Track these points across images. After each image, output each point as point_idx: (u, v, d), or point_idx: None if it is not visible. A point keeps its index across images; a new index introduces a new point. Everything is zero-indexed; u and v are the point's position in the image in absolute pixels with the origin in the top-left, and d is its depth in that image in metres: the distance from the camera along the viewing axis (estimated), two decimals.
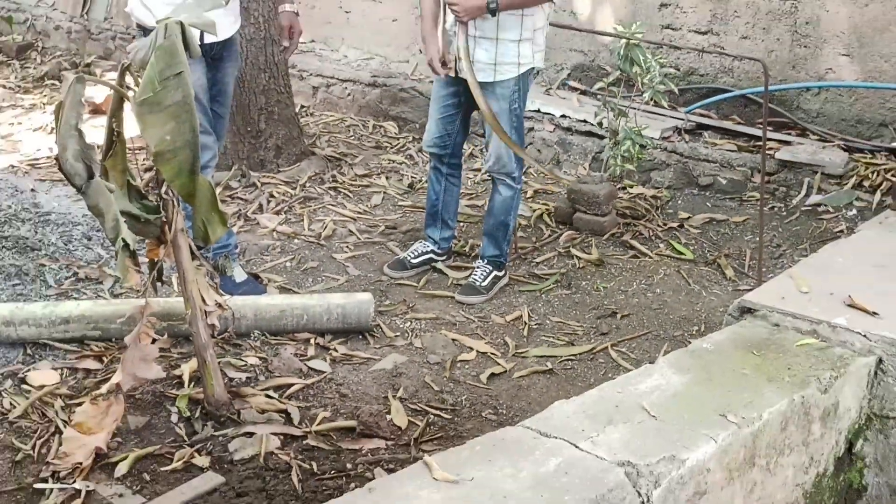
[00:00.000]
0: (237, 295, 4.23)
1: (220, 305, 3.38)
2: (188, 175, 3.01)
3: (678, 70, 5.92)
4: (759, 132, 5.34)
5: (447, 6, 4.16)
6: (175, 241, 3.21)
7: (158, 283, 3.38)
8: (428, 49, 4.30)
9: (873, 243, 3.73)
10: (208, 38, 3.97)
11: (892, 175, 5.10)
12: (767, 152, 5.28)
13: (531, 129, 6.03)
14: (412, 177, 5.92)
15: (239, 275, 4.41)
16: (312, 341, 3.98)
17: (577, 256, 4.90)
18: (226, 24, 4.21)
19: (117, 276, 4.02)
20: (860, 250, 3.65)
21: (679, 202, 5.53)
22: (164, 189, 3.15)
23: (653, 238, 5.11)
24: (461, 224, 5.11)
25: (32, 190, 5.32)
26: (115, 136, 3.09)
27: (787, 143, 5.46)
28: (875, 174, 5.16)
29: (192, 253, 3.26)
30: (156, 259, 3.27)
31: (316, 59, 7.41)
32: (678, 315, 4.38)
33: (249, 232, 5.04)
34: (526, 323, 4.29)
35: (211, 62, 4.20)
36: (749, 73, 5.76)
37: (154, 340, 3.30)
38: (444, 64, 4.25)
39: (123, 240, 3.00)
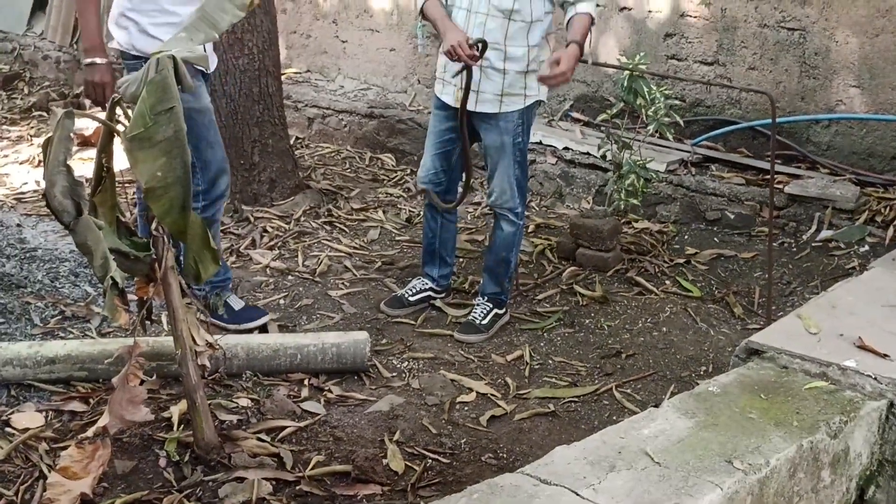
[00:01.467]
0: (241, 322, 4.20)
1: (210, 345, 3.32)
2: (179, 211, 2.98)
3: (684, 101, 5.83)
4: (767, 165, 5.24)
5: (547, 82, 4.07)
6: (165, 279, 3.14)
7: (147, 322, 3.34)
8: (452, 35, 3.99)
9: (884, 282, 3.72)
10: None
11: None
12: (777, 186, 5.18)
13: (533, 162, 5.93)
14: (410, 211, 5.81)
15: (236, 303, 4.35)
16: (306, 382, 3.89)
17: (580, 293, 4.78)
18: (213, 55, 4.21)
19: (105, 314, 3.92)
20: (871, 289, 3.63)
21: (686, 237, 5.42)
22: (154, 226, 3.08)
23: (659, 274, 4.99)
24: (460, 259, 5.01)
25: (18, 225, 5.22)
26: (104, 172, 3.06)
27: (797, 176, 5.37)
28: (887, 209, 5.07)
29: (183, 290, 3.18)
30: (145, 297, 3.23)
31: (312, 90, 7.33)
32: (685, 355, 4.27)
33: (242, 268, 4.93)
34: (527, 363, 4.19)
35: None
36: (757, 104, 5.67)
37: (142, 381, 3.22)
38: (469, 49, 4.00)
39: (112, 278, 2.96)
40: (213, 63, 4.19)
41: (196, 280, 3.20)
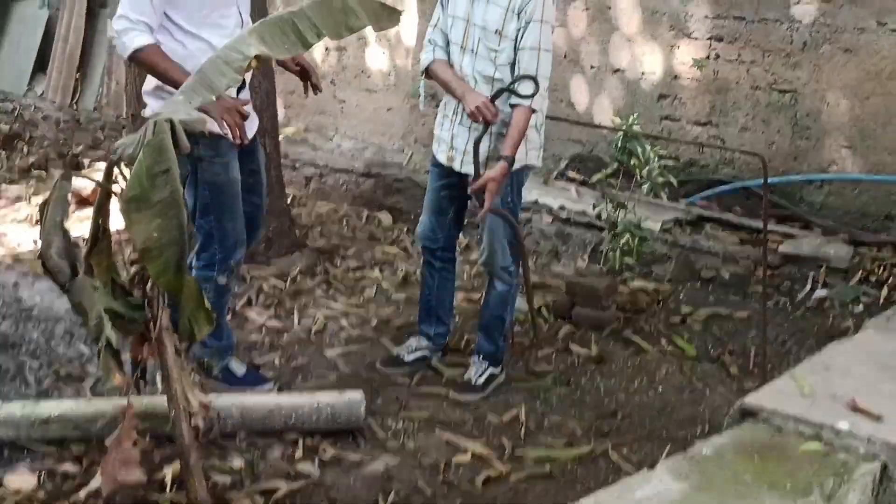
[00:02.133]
0: (243, 387, 4.20)
1: (204, 405, 3.30)
2: (175, 272, 2.97)
3: (678, 161, 5.87)
4: (761, 224, 5.26)
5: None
6: (160, 339, 3.13)
7: (142, 383, 3.32)
8: (474, 96, 4.05)
9: (878, 343, 3.72)
10: (250, 131, 4.02)
11: None
12: (771, 245, 5.20)
13: (529, 221, 5.95)
14: (407, 269, 5.81)
15: (238, 368, 4.34)
16: (301, 442, 3.85)
17: (576, 352, 4.78)
18: (253, 117, 4.16)
19: (100, 374, 3.92)
20: (864, 350, 3.63)
21: (681, 296, 5.42)
22: (149, 286, 3.08)
23: (654, 333, 4.99)
24: (456, 318, 5.00)
25: (15, 284, 5.19)
26: (100, 232, 3.06)
27: (791, 235, 5.39)
28: (881, 268, 5.09)
29: (177, 351, 3.17)
30: (139, 357, 3.21)
31: (309, 149, 7.38)
32: (681, 415, 4.25)
33: (238, 327, 4.91)
34: (523, 423, 4.15)
35: (246, 154, 4.16)
36: (750, 164, 5.71)
37: (136, 442, 3.20)
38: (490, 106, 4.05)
39: (107, 338, 2.96)
40: (252, 126, 4.16)
41: (190, 340, 3.19)
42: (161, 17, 3.83)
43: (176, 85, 3.42)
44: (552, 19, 4.10)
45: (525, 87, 3.99)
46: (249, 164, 4.23)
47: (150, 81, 4.05)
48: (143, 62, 3.82)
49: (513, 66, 4.10)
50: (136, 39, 3.75)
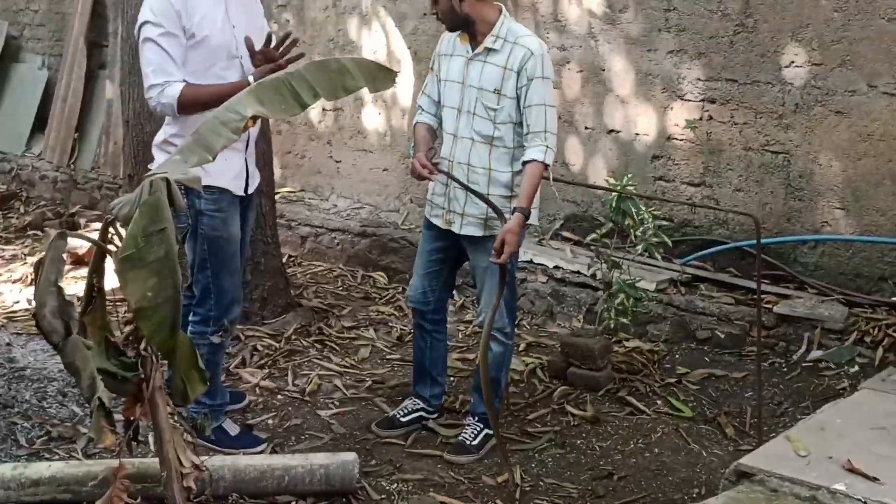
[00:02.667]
0: (237, 448, 4.19)
1: (196, 467, 3.25)
2: (169, 332, 2.93)
3: (672, 221, 5.90)
4: (755, 285, 5.26)
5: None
6: (152, 400, 3.09)
7: (134, 444, 3.25)
8: (414, 162, 4.19)
9: (873, 403, 3.71)
10: (240, 191, 4.11)
11: (894, 331, 5.00)
12: (766, 306, 5.20)
13: (524, 281, 5.95)
14: (401, 329, 5.80)
15: (232, 428, 4.33)
16: None
17: (571, 413, 4.75)
18: (254, 175, 4.29)
19: (91, 435, 3.88)
20: (859, 411, 3.64)
21: (677, 356, 5.40)
22: (143, 345, 3.06)
23: (650, 394, 4.97)
24: (451, 379, 4.98)
25: (8, 343, 5.20)
26: (95, 292, 3.03)
27: (786, 296, 5.38)
28: (876, 329, 5.07)
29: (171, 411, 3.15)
30: (132, 418, 3.16)
31: (305, 209, 7.40)
32: (677, 477, 4.21)
33: (231, 387, 4.88)
34: (518, 485, 4.11)
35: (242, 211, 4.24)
36: (744, 224, 5.73)
37: None
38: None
39: (99, 398, 2.91)
40: (253, 183, 4.28)
41: (183, 400, 3.16)
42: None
43: (223, 99, 3.32)
44: (552, 75, 4.17)
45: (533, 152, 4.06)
46: (243, 223, 4.27)
47: (160, 135, 4.09)
48: (189, 104, 3.89)
49: (513, 124, 4.14)
50: (169, 91, 3.86)
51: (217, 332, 4.13)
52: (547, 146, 4.08)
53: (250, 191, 4.25)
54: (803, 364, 5.10)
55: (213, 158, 3.14)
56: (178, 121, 3.97)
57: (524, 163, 4.09)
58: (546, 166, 4.10)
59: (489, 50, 4.12)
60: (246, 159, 4.19)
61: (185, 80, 3.89)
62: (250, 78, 3.88)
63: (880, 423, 3.41)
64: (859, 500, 2.86)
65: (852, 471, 3.02)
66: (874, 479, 2.96)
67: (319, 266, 6.91)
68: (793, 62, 5.45)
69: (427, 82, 4.39)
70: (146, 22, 3.89)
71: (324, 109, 7.66)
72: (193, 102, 3.87)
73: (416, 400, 4.62)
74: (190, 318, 4.10)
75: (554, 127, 4.13)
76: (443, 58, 4.30)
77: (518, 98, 4.11)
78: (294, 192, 7.85)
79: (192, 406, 4.17)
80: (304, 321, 5.77)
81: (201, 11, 3.94)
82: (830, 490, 2.90)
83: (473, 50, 4.17)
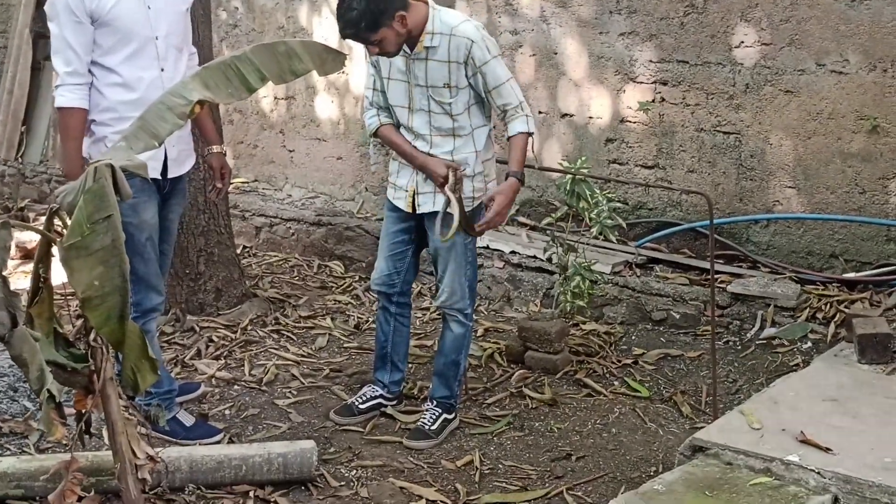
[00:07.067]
0: (192, 438, 4.15)
1: (151, 458, 3.22)
2: (117, 321, 2.90)
3: (626, 204, 5.92)
4: (709, 265, 5.29)
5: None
6: (104, 391, 3.06)
7: (86, 436, 3.22)
8: (436, 164, 4.13)
9: (825, 376, 3.75)
10: (155, 173, 4.00)
11: (845, 306, 5.06)
12: (719, 285, 5.23)
13: (481, 266, 5.94)
14: (359, 317, 5.78)
15: (186, 419, 4.29)
16: (252, 494, 3.78)
17: (529, 396, 4.76)
18: (181, 160, 4.21)
19: (42, 429, 3.82)
20: (812, 384, 3.67)
21: (633, 338, 5.42)
22: (92, 336, 3.01)
23: (607, 375, 4.99)
24: (410, 365, 4.97)
25: None
26: (41, 283, 2.99)
27: (739, 275, 5.43)
28: (828, 305, 5.12)
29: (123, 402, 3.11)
30: (83, 410, 3.12)
31: (259, 199, 7.34)
32: (635, 455, 4.24)
33: (187, 379, 4.85)
34: (477, 468, 4.13)
35: (165, 198, 4.14)
36: (697, 206, 5.76)
37: (81, 498, 3.11)
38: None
39: (48, 390, 2.88)
40: (179, 167, 4.22)
41: (134, 390, 3.12)
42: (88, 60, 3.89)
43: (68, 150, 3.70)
44: (498, 49, 4.14)
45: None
46: (164, 209, 4.19)
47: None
48: (61, 119, 3.99)
49: (467, 110, 4.12)
50: (60, 98, 3.90)
51: (138, 316, 4.03)
52: (526, 115, 4.11)
53: (171, 175, 4.14)
54: (757, 342, 5.14)
55: (160, 144, 3.11)
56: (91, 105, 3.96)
57: (509, 138, 4.11)
58: (530, 134, 4.12)
59: (428, 48, 4.06)
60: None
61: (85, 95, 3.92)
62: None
63: (832, 396, 3.46)
64: (813, 470, 2.90)
65: (805, 442, 3.05)
66: (827, 450, 3.00)
67: (275, 256, 6.86)
68: (742, 42, 5.48)
69: (373, 77, 4.24)
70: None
71: (276, 98, 7.60)
72: (62, 125, 4.01)
73: (375, 387, 4.60)
74: None
75: (521, 94, 4.13)
76: (381, 57, 4.21)
77: (471, 86, 4.09)
78: (247, 182, 7.78)
79: (140, 397, 4.13)
80: (259, 311, 5.73)
81: None
82: (784, 461, 2.93)
83: (412, 51, 4.08)
